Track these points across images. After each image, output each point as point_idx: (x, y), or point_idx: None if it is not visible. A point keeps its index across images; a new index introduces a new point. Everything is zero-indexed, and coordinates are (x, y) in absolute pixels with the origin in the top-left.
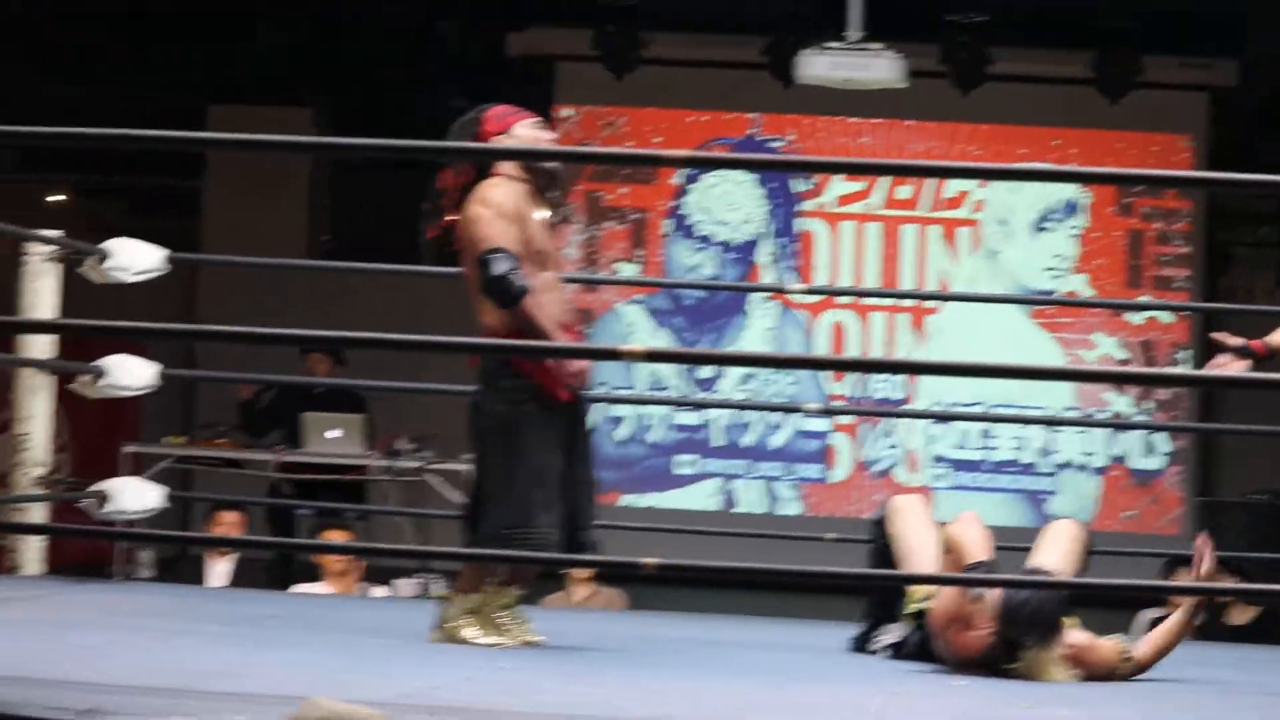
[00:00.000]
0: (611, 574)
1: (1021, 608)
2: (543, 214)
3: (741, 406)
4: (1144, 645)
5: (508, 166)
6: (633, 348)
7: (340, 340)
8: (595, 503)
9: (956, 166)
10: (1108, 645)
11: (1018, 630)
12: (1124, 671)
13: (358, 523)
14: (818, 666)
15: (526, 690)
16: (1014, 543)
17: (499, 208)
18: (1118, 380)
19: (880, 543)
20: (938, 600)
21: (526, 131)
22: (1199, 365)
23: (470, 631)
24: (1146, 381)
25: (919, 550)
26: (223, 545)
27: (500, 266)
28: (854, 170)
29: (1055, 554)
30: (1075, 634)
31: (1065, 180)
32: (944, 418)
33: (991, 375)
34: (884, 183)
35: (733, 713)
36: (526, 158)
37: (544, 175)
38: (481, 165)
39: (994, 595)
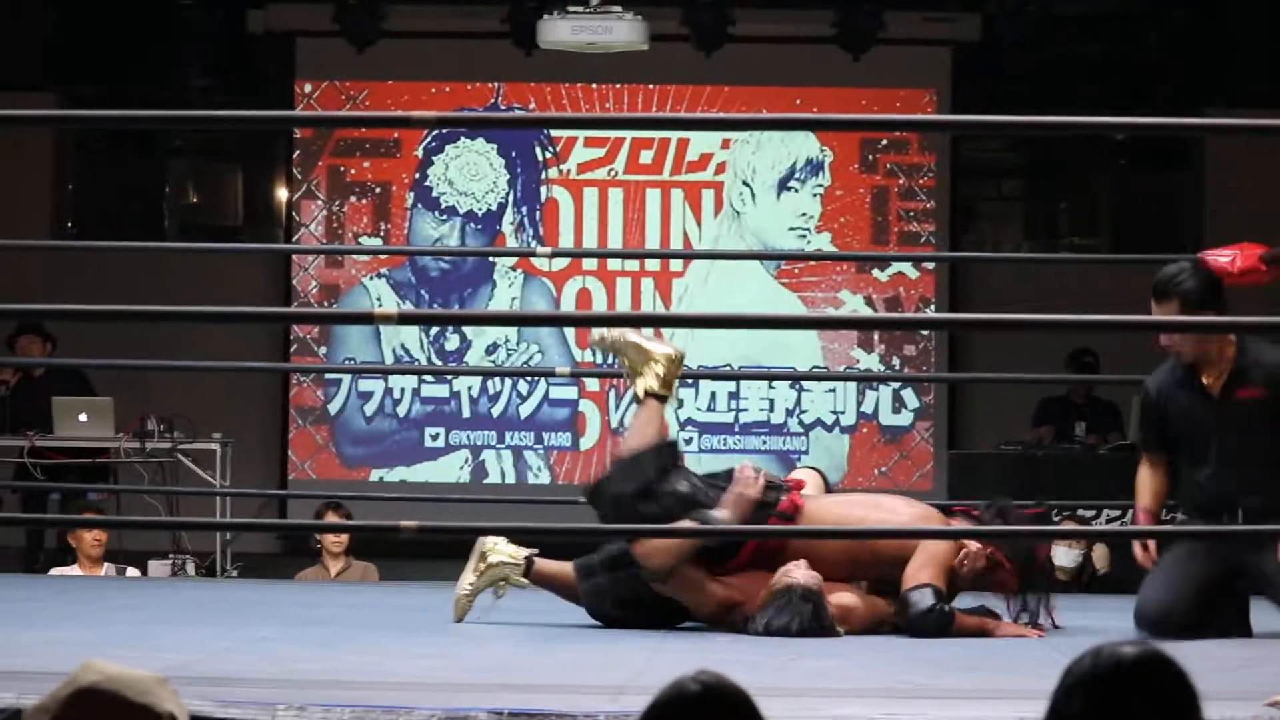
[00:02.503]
0: (366, 546)
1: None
2: None
3: (493, 373)
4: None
5: None
6: (386, 311)
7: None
8: None
9: (701, 118)
10: (880, 604)
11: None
12: (888, 628)
13: (109, 505)
14: (580, 630)
15: (286, 659)
16: None
17: None
18: (862, 326)
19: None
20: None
21: None
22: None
23: None
24: (892, 326)
25: None
26: None
27: None
28: (597, 125)
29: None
30: (842, 595)
31: (807, 128)
32: (697, 377)
33: (744, 326)
34: (626, 148)
35: (495, 674)
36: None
37: None
38: None
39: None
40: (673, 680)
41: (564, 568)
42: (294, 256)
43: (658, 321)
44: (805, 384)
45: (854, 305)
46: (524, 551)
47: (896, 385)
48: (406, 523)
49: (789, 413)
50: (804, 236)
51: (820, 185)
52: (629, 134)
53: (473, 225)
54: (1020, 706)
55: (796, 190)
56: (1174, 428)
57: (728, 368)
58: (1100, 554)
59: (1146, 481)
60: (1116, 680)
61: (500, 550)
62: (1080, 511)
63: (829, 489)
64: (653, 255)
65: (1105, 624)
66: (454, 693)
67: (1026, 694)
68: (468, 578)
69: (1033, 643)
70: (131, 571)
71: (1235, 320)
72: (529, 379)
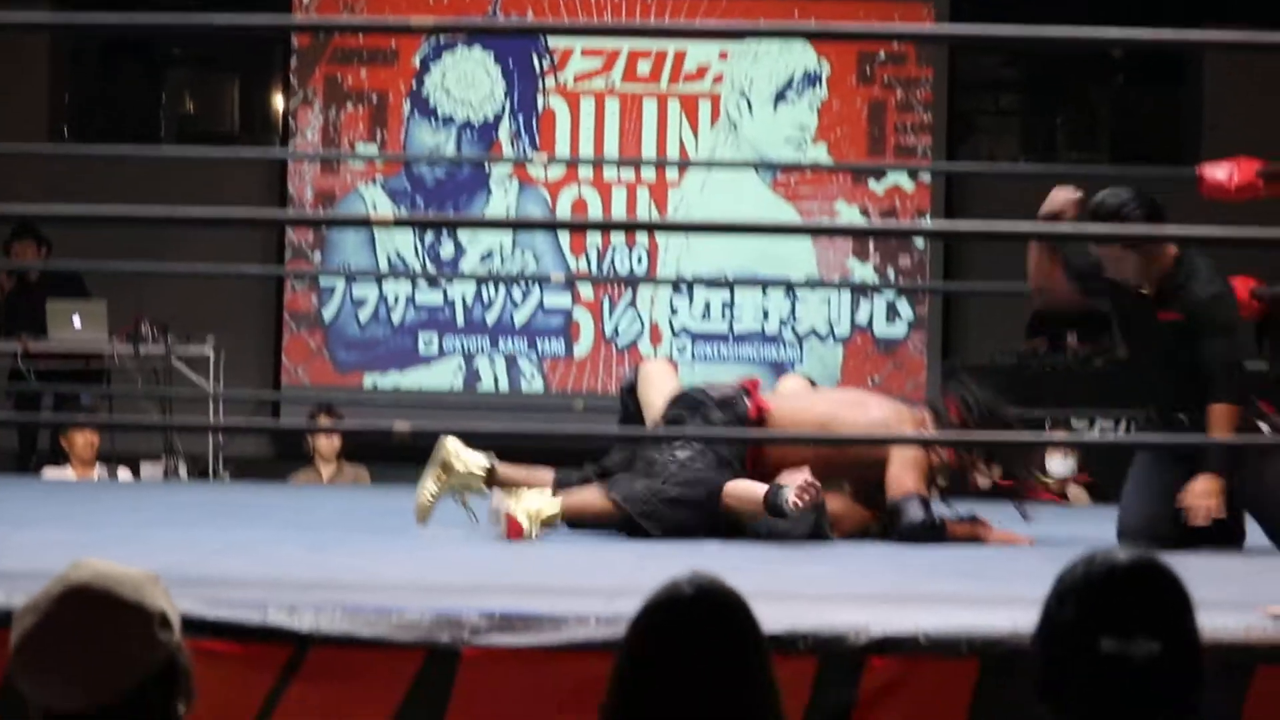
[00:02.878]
0: (358, 450)
1: None
2: None
3: (488, 279)
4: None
5: None
6: (383, 215)
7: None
8: None
9: (699, 28)
10: (859, 508)
11: None
12: (875, 529)
13: (103, 408)
14: (570, 535)
15: (277, 561)
16: None
17: None
18: (857, 234)
19: (631, 408)
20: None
21: None
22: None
23: None
24: (887, 235)
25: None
26: None
27: None
28: (595, 33)
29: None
30: (831, 501)
31: (805, 37)
32: (692, 284)
33: (738, 232)
34: (624, 59)
35: (485, 577)
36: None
37: None
38: None
39: None
40: (666, 582)
41: (531, 473)
42: (290, 164)
43: (654, 228)
44: (799, 294)
45: (850, 217)
46: (485, 461)
47: (891, 296)
48: (400, 424)
49: (783, 323)
50: (800, 148)
51: (817, 97)
52: (626, 44)
53: (469, 134)
54: (1014, 613)
55: (793, 102)
56: (1119, 316)
57: (723, 277)
58: (1076, 493)
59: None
60: (1109, 586)
61: (463, 459)
62: (1073, 422)
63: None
64: (649, 164)
65: (1090, 534)
66: (445, 595)
67: (1019, 600)
68: (429, 485)
69: (1025, 550)
70: (124, 474)
71: (1223, 234)
72: (523, 286)
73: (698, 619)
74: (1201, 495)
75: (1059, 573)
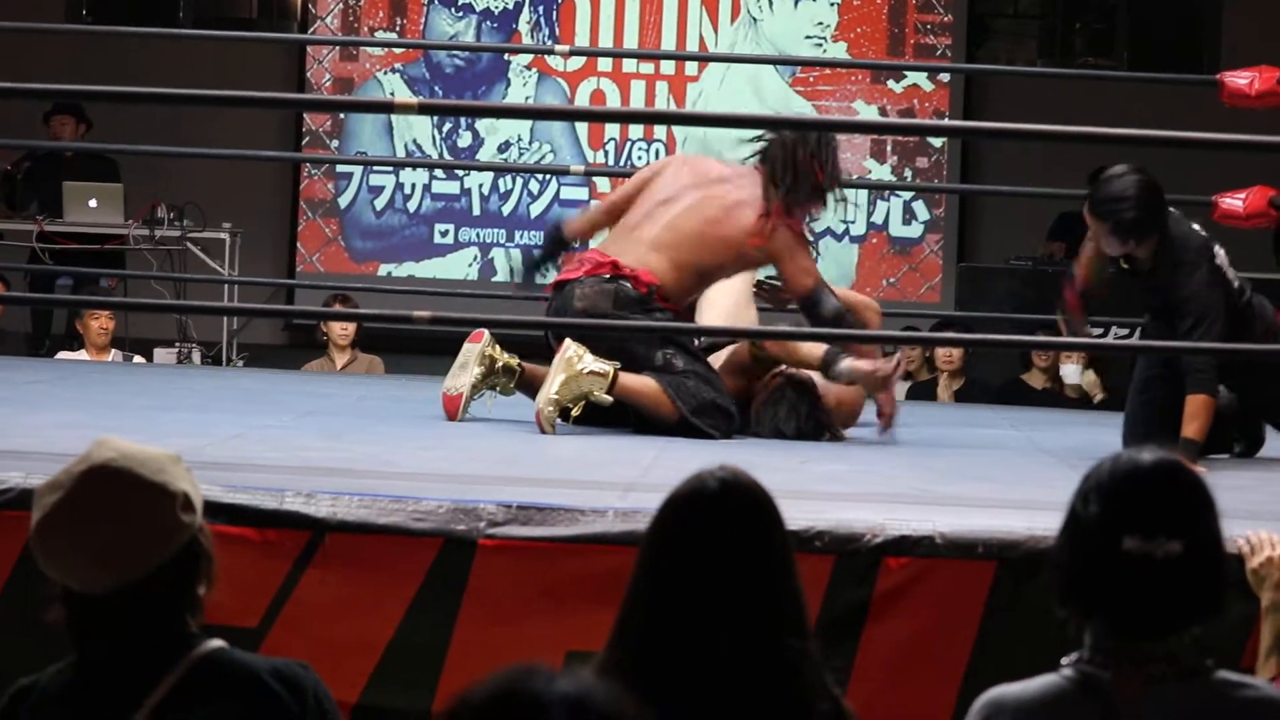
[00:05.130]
0: (372, 340)
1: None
2: None
3: (505, 169)
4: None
5: None
6: (406, 100)
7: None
8: None
9: None
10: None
11: None
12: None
13: (118, 292)
14: (584, 431)
15: (293, 447)
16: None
17: None
18: (875, 130)
19: None
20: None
21: None
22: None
23: None
24: (905, 131)
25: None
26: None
27: None
28: None
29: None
30: (828, 386)
31: None
32: None
33: (755, 126)
34: None
35: (502, 468)
36: None
37: None
38: None
39: None
40: (692, 474)
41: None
42: (308, 50)
43: (672, 120)
44: None
45: (868, 115)
46: (515, 360)
47: (907, 196)
48: (420, 312)
49: None
50: (820, 45)
51: None
52: None
53: (489, 23)
54: (1031, 516)
55: None
56: None
57: None
58: (1091, 381)
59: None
60: (1133, 486)
61: (585, 361)
62: (1089, 328)
63: None
64: (669, 57)
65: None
66: (461, 484)
67: (1036, 504)
68: (468, 377)
69: (1044, 457)
70: (137, 359)
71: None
72: (540, 178)
73: (724, 511)
74: None
75: (1086, 472)
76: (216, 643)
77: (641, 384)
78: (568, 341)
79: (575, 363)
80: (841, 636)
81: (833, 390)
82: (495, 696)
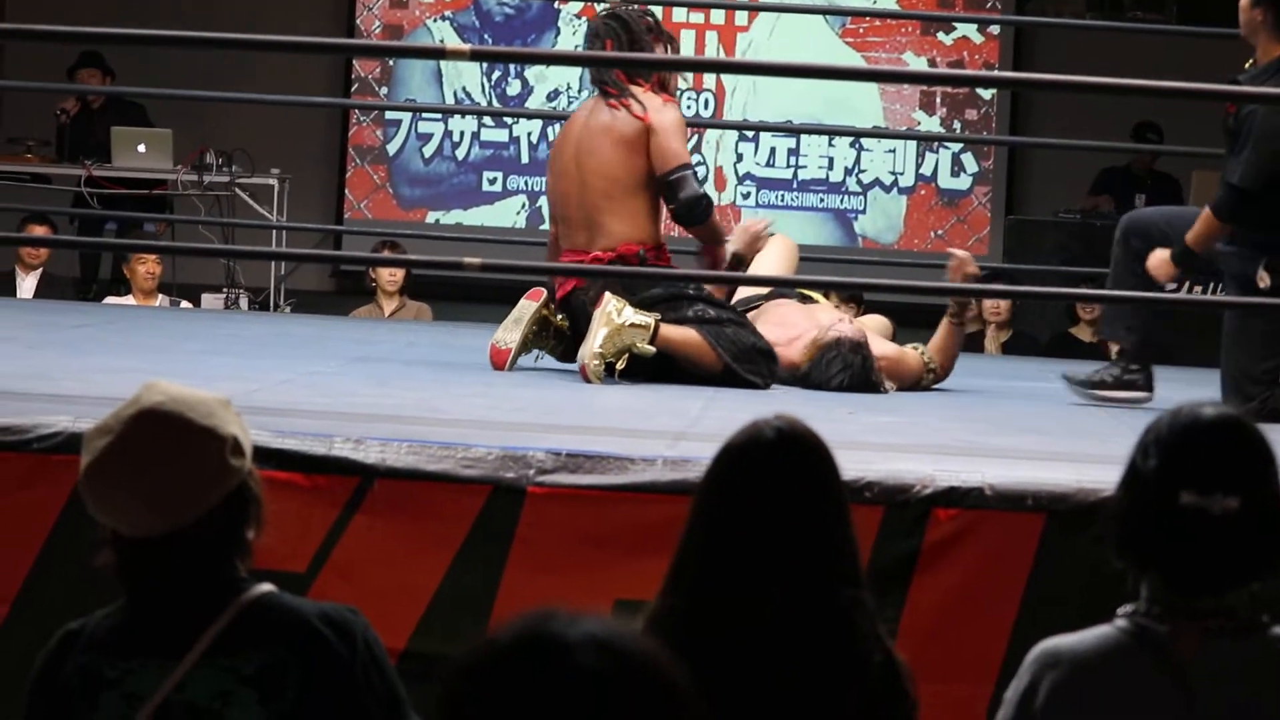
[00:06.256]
0: (420, 287)
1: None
2: None
3: (555, 117)
4: (933, 353)
5: None
6: (458, 46)
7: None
8: None
9: None
10: (913, 355)
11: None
12: (929, 380)
13: (165, 237)
14: (636, 381)
15: (340, 393)
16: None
17: None
18: (924, 81)
19: None
20: None
21: None
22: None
23: None
24: (954, 82)
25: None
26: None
27: None
28: None
29: None
30: (883, 345)
31: None
32: (758, 129)
33: (804, 75)
34: None
35: (551, 416)
36: None
37: None
38: None
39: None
40: (748, 423)
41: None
42: None
43: (722, 68)
44: (865, 143)
45: (918, 67)
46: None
47: (956, 148)
48: (470, 259)
49: (848, 171)
50: None
51: None
52: None
53: None
54: (1080, 469)
55: None
56: None
57: (789, 123)
58: None
59: None
60: (1191, 440)
61: (554, 316)
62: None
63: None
64: (719, 5)
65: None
66: (511, 431)
67: (1085, 457)
68: (519, 333)
69: (1093, 410)
70: (185, 305)
71: None
72: None
73: (781, 460)
74: (1156, 266)
75: (1147, 424)
76: (266, 587)
77: (683, 334)
78: (607, 295)
79: (616, 316)
80: (890, 588)
81: (880, 348)
82: (520, 638)
